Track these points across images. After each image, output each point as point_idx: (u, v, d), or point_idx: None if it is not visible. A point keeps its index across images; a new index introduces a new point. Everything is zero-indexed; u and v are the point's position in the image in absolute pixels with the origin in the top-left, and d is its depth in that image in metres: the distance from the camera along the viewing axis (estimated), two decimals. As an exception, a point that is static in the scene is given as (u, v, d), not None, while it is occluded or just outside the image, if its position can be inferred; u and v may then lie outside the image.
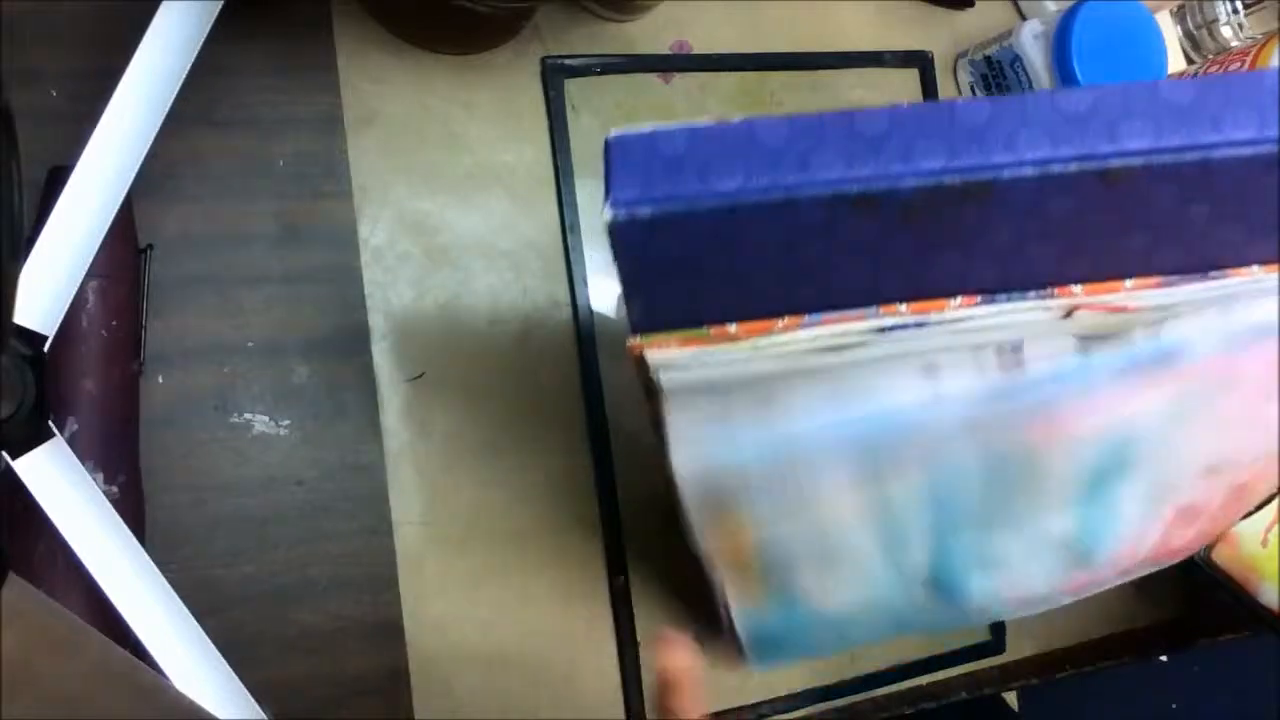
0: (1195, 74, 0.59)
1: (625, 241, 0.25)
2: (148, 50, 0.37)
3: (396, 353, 0.45)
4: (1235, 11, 0.63)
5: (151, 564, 0.36)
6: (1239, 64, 0.57)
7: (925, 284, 0.28)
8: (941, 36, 0.59)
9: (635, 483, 0.48)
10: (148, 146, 0.37)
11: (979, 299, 0.28)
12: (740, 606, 0.36)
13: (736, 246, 0.26)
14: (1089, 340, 0.29)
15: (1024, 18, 0.60)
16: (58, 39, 0.42)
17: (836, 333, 0.28)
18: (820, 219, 0.25)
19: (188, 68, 0.37)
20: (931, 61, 0.57)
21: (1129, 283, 0.29)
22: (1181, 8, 0.64)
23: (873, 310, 0.28)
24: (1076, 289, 0.29)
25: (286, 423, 0.44)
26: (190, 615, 0.36)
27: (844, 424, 0.29)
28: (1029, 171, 0.24)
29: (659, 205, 0.24)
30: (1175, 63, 0.63)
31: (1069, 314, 0.29)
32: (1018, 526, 0.34)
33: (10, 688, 0.20)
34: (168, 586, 0.36)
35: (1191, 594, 0.59)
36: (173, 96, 0.37)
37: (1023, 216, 0.26)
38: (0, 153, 0.23)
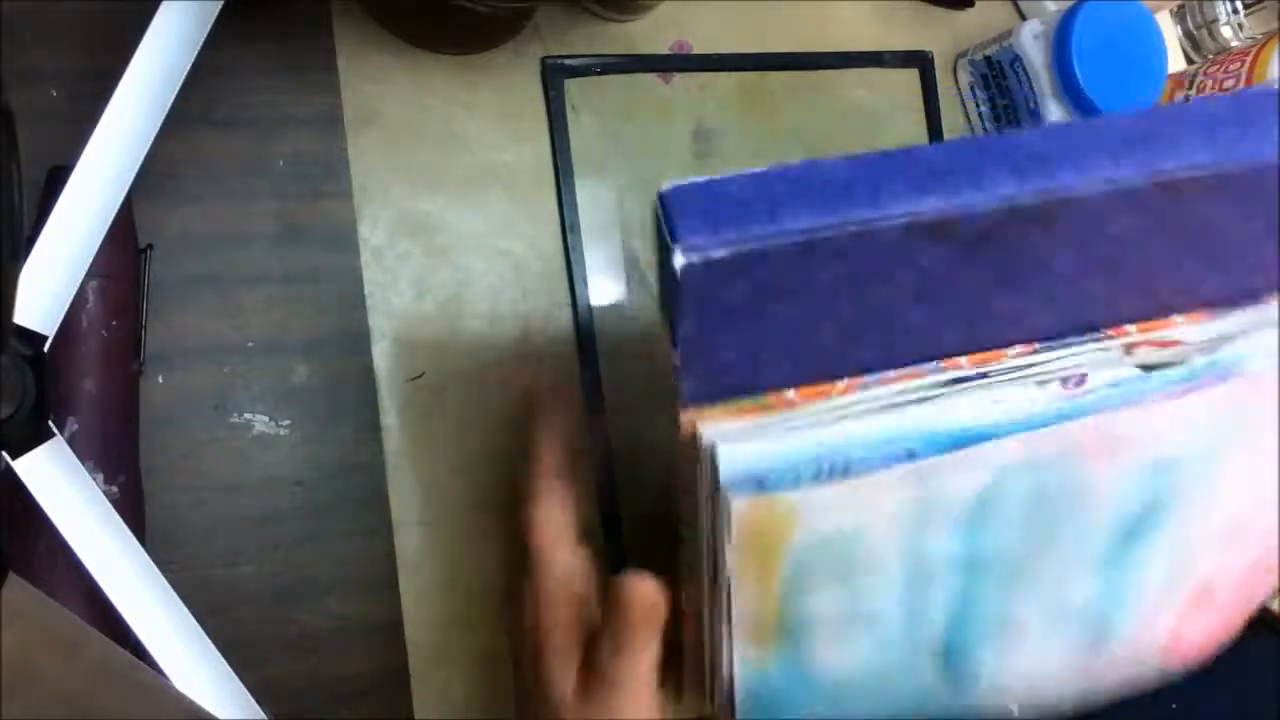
0: (1196, 74, 0.59)
1: (694, 290, 0.24)
2: (148, 50, 0.37)
3: (396, 353, 0.45)
4: (1235, 11, 0.63)
5: (151, 564, 0.36)
6: (1239, 64, 0.57)
7: (983, 332, 0.27)
8: (941, 36, 0.59)
9: (635, 484, 0.48)
10: (148, 146, 0.37)
11: (1037, 345, 0.28)
12: (744, 657, 0.33)
13: (804, 291, 0.25)
14: (1150, 366, 0.28)
15: (1024, 18, 0.61)
16: (58, 39, 0.42)
17: (899, 390, 0.27)
18: (892, 253, 0.24)
19: (188, 68, 0.37)
20: (931, 61, 0.57)
21: (1179, 318, 0.29)
22: (1181, 8, 0.64)
23: (935, 365, 0.27)
24: (1130, 328, 0.28)
25: (286, 423, 0.44)
26: (190, 615, 0.36)
27: (897, 438, 0.27)
28: (1099, 187, 0.24)
29: (732, 246, 0.23)
30: (1175, 63, 0.63)
31: (1129, 351, 0.29)
32: (1043, 588, 0.32)
33: (11, 688, 0.20)
34: (168, 586, 0.36)
35: (1191, 594, 0.59)
36: (173, 96, 0.37)
37: (1084, 242, 0.25)
38: (0, 153, 0.23)
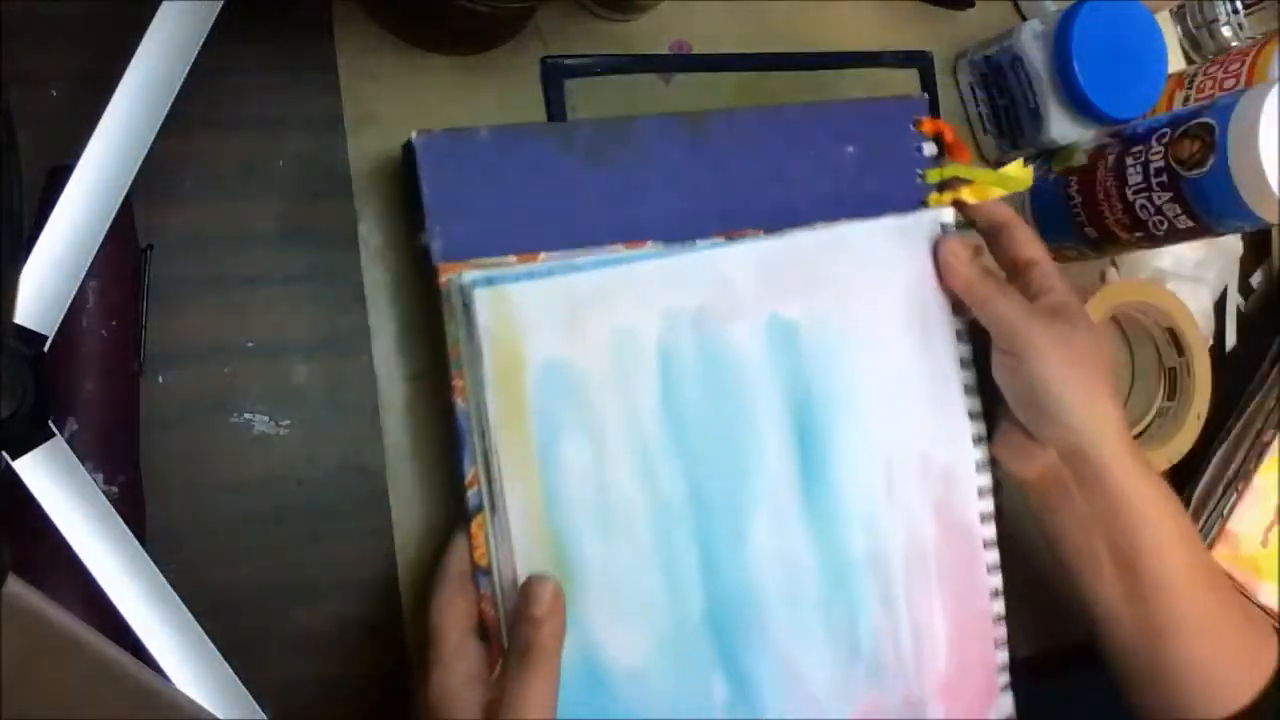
0: (1196, 74, 0.59)
1: (428, 158, 0.38)
2: (148, 50, 0.37)
3: (396, 353, 0.45)
4: (1235, 11, 0.63)
5: (151, 564, 0.36)
6: (1239, 64, 0.57)
7: (628, 227, 0.41)
8: (941, 36, 0.59)
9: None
10: (148, 146, 0.37)
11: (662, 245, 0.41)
12: None
13: (503, 174, 0.39)
14: None
15: (1024, 18, 0.61)
16: (58, 39, 0.42)
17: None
18: (542, 149, 0.40)
19: (188, 68, 0.37)
20: (931, 61, 0.57)
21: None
22: (1181, 8, 0.64)
23: (602, 248, 0.40)
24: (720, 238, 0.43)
25: (286, 423, 0.44)
26: (190, 615, 0.36)
27: (592, 262, 0.39)
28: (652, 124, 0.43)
29: (445, 134, 0.38)
30: (1175, 63, 0.63)
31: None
32: (761, 511, 0.41)
33: (11, 688, 0.20)
34: (168, 586, 0.36)
35: (1191, 594, 0.59)
36: (173, 96, 0.37)
37: (660, 163, 0.42)
38: (1, 153, 0.23)
